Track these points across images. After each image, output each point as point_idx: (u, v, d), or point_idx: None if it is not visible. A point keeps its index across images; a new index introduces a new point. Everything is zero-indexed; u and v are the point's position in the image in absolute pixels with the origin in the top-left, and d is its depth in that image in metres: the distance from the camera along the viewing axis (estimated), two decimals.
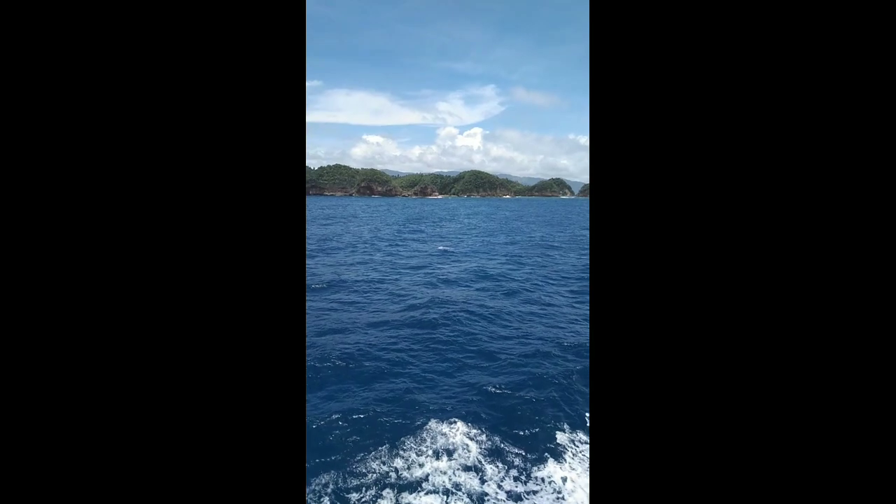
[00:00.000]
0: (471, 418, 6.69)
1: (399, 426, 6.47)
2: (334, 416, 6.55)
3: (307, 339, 9.75)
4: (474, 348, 9.66)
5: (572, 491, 5.15)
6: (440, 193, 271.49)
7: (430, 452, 5.80)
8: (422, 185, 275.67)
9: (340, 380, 7.95)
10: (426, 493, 5.07)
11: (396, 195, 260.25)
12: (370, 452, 5.79)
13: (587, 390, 7.34)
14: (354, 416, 6.60)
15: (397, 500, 4.95)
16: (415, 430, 6.35)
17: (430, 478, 5.33)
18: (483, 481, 5.30)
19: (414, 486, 5.16)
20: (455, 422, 6.56)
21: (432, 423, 6.49)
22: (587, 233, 35.98)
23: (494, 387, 7.69)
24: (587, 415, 6.78)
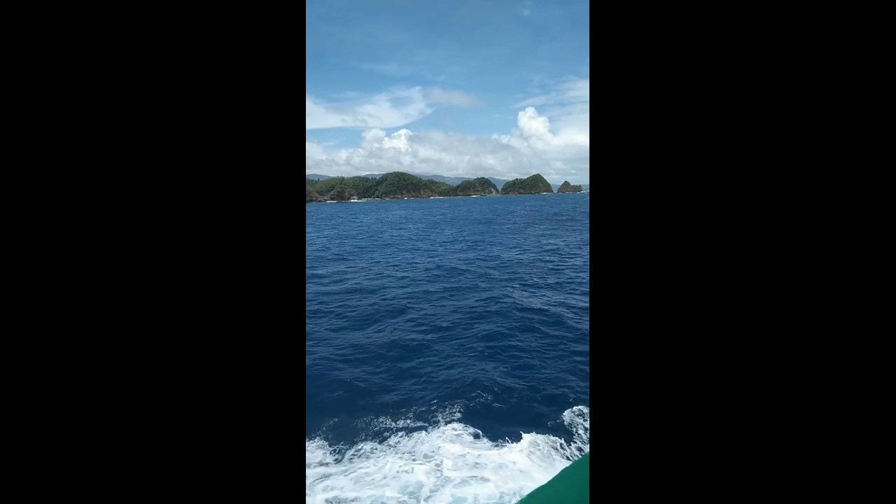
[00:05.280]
0: (471, 417, 6.51)
1: (399, 425, 6.35)
2: (333, 416, 6.46)
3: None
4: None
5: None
6: (361, 197, 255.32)
7: (430, 451, 5.69)
8: (339, 188, 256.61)
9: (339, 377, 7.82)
10: (426, 492, 5.01)
11: (312, 201, 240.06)
12: (370, 451, 5.70)
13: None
14: (353, 415, 6.49)
15: (397, 499, 4.86)
16: (416, 429, 6.23)
17: (429, 476, 5.24)
18: (486, 481, 5.11)
19: (414, 486, 5.07)
20: (456, 421, 6.39)
21: (433, 420, 6.37)
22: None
23: (496, 382, 7.49)
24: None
